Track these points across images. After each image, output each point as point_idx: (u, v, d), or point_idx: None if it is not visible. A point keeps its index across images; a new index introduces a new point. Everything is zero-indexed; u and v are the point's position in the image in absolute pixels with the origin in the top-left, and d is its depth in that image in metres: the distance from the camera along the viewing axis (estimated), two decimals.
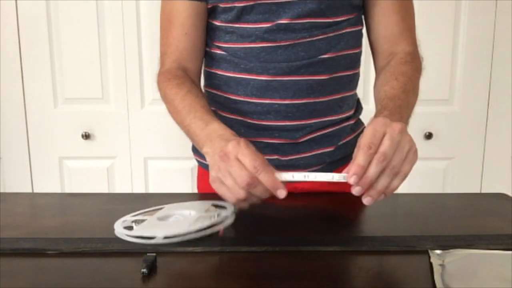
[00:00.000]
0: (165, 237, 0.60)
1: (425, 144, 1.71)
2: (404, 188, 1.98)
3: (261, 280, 0.54)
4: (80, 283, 0.53)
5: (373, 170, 0.59)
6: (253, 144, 0.84)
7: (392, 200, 0.88)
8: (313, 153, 0.87)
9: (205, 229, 0.62)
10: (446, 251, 0.59)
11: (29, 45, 1.66)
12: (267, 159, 0.84)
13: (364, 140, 0.60)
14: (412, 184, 1.77)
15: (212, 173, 0.64)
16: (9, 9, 1.63)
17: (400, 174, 0.62)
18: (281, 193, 0.61)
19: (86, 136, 1.71)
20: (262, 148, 0.85)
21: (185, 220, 0.66)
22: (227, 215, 0.67)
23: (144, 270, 0.54)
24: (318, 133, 0.86)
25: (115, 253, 0.60)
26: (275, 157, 0.86)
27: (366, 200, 0.61)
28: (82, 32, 1.65)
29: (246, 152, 0.62)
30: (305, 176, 0.64)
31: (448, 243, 0.61)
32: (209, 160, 0.68)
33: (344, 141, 0.89)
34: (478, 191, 1.72)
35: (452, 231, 0.67)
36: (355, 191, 0.60)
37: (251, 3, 0.79)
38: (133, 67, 1.67)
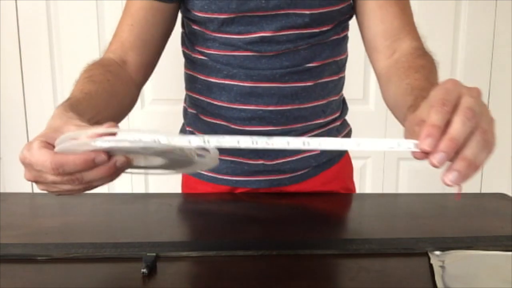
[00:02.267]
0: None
1: None
2: (404, 188, 1.98)
3: (260, 280, 0.54)
4: (80, 283, 0.53)
5: (459, 127, 0.42)
6: (238, 150, 0.80)
7: (392, 200, 0.88)
8: (299, 156, 0.85)
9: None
10: (446, 252, 0.59)
11: (29, 45, 1.66)
12: (252, 163, 0.84)
13: (435, 97, 0.44)
14: (412, 184, 1.78)
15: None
16: (9, 9, 1.63)
17: (489, 144, 0.45)
18: (99, 159, 0.47)
19: None
20: (247, 153, 0.83)
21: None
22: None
23: (144, 270, 0.54)
24: (304, 137, 0.83)
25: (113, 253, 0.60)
26: (261, 162, 0.84)
27: (451, 177, 0.42)
28: (82, 32, 1.65)
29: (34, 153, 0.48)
30: (320, 144, 0.46)
31: (447, 245, 0.61)
32: None
33: None
34: (478, 191, 1.72)
35: (451, 232, 0.67)
36: (437, 159, 0.41)
37: (232, 15, 0.75)
38: None
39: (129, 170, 0.51)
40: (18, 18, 1.64)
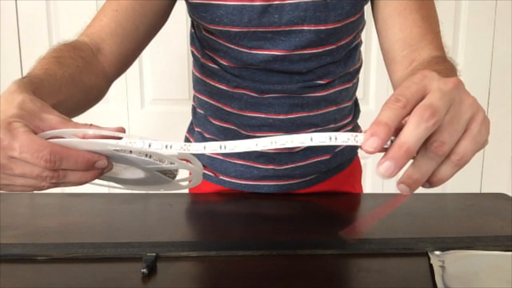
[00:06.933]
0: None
1: None
2: None
3: (260, 280, 0.54)
4: (80, 283, 0.53)
5: (409, 130, 0.35)
6: (248, 154, 0.82)
7: (392, 200, 0.88)
8: (309, 161, 0.84)
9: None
10: (446, 252, 0.59)
11: (29, 45, 1.66)
12: (262, 168, 0.84)
13: (393, 93, 0.38)
14: None
15: None
16: (9, 9, 1.63)
17: (454, 156, 0.37)
18: (101, 164, 0.44)
19: None
20: (257, 157, 0.83)
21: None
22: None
23: (144, 270, 0.54)
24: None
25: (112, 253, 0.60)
26: (271, 167, 0.84)
27: (401, 189, 0.37)
28: None
29: (23, 142, 0.41)
30: (271, 143, 0.40)
31: (447, 245, 0.61)
32: None
33: (341, 147, 0.87)
34: (478, 191, 1.72)
35: (451, 232, 0.67)
36: (383, 169, 0.34)
37: (245, 29, 0.71)
38: (133, 67, 1.66)
39: (100, 179, 0.48)
40: (18, 18, 1.64)
